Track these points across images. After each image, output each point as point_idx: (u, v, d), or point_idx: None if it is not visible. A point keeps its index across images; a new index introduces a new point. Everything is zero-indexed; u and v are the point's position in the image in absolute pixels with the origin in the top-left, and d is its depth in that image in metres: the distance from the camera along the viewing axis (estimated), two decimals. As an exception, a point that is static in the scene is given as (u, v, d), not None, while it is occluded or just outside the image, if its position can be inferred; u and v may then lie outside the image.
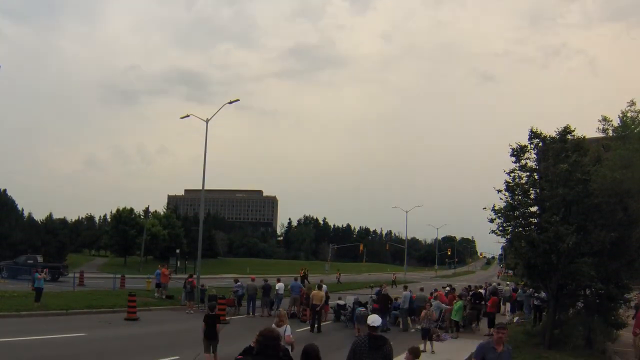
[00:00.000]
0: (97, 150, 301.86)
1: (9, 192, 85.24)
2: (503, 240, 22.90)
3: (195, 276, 29.18)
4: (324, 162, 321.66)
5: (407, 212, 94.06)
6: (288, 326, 11.07)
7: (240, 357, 6.08)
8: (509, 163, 21.41)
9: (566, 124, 20.96)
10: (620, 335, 19.98)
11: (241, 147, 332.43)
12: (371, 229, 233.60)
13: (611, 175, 18.01)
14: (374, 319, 8.03)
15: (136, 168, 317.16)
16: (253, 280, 29.03)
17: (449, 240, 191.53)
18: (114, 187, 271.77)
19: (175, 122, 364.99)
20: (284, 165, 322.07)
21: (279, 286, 27.35)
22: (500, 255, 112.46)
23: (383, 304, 24.47)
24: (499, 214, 20.96)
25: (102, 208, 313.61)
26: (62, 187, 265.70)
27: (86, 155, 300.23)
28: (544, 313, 23.57)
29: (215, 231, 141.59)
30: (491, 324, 23.36)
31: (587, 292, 19.75)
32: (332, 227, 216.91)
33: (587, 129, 30.79)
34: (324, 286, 26.39)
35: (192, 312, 26.33)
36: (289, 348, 8.36)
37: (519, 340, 19.79)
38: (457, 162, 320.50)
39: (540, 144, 21.02)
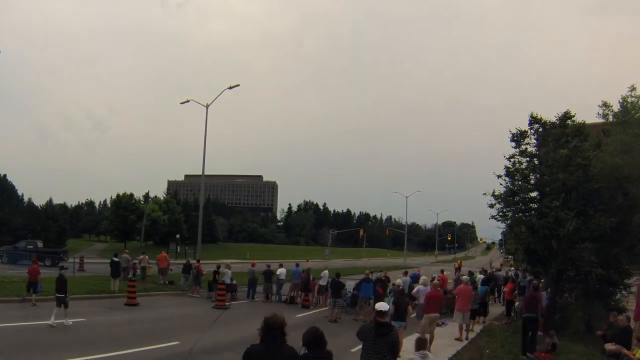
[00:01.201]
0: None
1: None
2: (503, 225, 22.89)
3: (198, 262, 29.32)
4: (324, 148, 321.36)
5: (407, 197, 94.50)
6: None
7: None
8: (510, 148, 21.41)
9: (567, 109, 20.92)
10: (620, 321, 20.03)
11: (241, 127, 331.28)
12: (371, 214, 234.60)
13: (611, 161, 17.99)
14: (382, 304, 8.00)
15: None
16: (254, 265, 29.11)
17: (449, 225, 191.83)
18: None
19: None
20: (283, 149, 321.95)
21: (281, 272, 27.39)
22: (500, 240, 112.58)
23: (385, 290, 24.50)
24: (499, 200, 20.92)
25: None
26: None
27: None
28: None
29: (215, 216, 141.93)
30: (508, 312, 23.38)
31: (588, 277, 19.76)
32: (332, 212, 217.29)
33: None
34: (327, 271, 26.59)
35: (197, 296, 26.50)
36: None
37: (519, 326, 19.82)
38: (457, 149, 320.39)
39: (540, 129, 20.95)
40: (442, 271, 35.61)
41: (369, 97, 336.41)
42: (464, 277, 21.51)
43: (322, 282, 25.71)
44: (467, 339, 17.55)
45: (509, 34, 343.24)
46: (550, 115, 21.14)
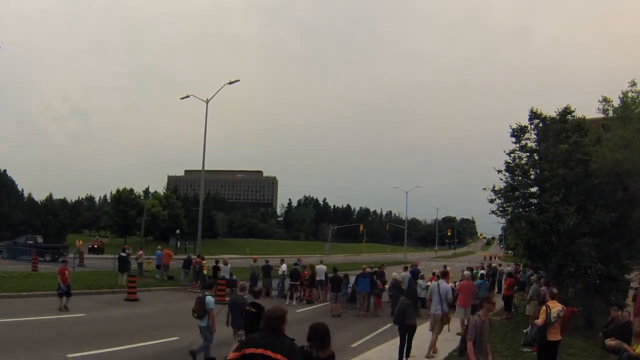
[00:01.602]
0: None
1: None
2: (503, 220, 22.88)
3: (199, 257, 29.31)
4: (324, 144, 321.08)
5: (407, 192, 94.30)
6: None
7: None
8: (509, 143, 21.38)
9: (567, 104, 20.93)
10: (620, 316, 20.05)
11: (239, 121, 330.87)
12: (371, 210, 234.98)
13: (611, 156, 17.95)
14: None
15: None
16: (255, 261, 29.09)
17: (449, 220, 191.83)
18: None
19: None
20: (283, 145, 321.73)
21: (283, 267, 27.39)
22: (500, 235, 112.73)
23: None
24: (499, 195, 20.92)
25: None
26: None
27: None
28: None
29: (215, 212, 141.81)
30: (507, 307, 23.25)
31: (588, 272, 19.76)
32: (332, 207, 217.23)
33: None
34: (324, 266, 26.48)
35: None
36: None
37: (520, 321, 19.83)
38: (457, 143, 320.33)
39: (541, 125, 20.94)
40: (444, 267, 35.58)
41: (369, 94, 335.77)
42: (465, 272, 21.48)
43: (319, 277, 25.67)
44: None
45: (510, 24, 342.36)
46: (551, 110, 21.15)
